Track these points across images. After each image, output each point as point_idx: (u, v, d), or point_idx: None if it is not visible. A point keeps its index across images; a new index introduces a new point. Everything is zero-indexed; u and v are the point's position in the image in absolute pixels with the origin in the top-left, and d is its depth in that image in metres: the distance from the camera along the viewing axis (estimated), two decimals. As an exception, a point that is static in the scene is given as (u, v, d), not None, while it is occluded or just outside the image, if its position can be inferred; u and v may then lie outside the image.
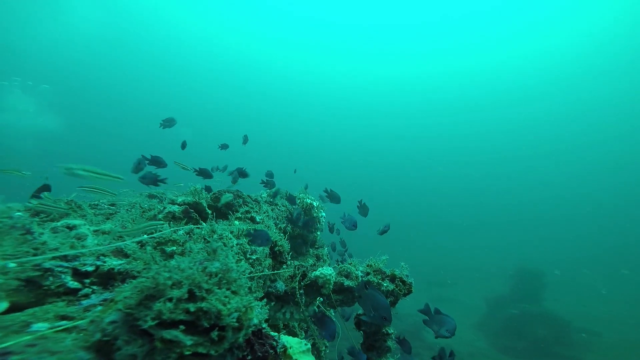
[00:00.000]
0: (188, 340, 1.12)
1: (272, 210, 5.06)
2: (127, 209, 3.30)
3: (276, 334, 1.87)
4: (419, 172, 60.19)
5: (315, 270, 3.04)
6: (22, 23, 33.06)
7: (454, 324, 2.61)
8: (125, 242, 2.00)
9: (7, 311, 1.47)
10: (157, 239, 2.16)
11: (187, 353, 1.12)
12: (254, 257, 2.64)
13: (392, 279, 3.23)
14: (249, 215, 3.34)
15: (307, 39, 46.41)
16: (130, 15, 37.95)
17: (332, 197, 5.44)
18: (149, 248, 1.95)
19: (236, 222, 3.05)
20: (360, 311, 3.33)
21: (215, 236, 2.15)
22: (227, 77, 50.29)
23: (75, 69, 39.73)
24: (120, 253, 1.95)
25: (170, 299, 1.08)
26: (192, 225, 2.49)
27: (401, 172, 60.59)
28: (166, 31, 41.48)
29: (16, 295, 1.57)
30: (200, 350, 1.17)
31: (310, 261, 5.25)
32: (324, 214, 5.60)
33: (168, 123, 6.01)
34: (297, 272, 3.03)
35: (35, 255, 1.63)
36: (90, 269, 1.79)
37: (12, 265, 1.52)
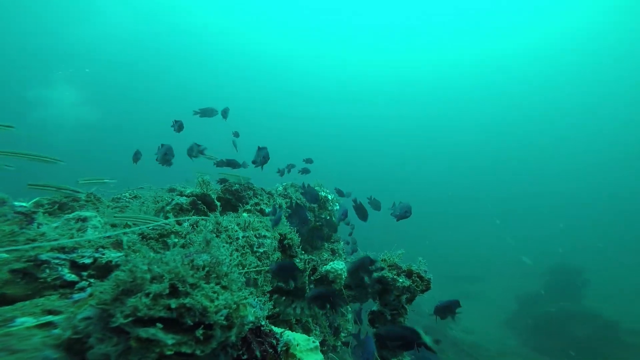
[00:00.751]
0: (169, 339, 1.03)
1: (286, 204, 4.98)
2: (142, 202, 3.29)
3: (281, 330, 1.77)
4: (442, 163, 58.46)
5: (326, 265, 2.93)
6: (63, 23, 35.03)
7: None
8: (120, 231, 1.95)
9: (1, 304, 1.44)
10: (160, 231, 2.11)
11: (169, 353, 1.03)
12: (261, 250, 2.55)
13: (409, 274, 3.06)
14: (258, 208, 3.26)
15: (319, 30, 46.30)
16: (158, 15, 39.42)
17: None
18: (139, 246, 1.89)
19: (244, 215, 2.97)
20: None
21: (209, 227, 2.07)
22: (242, 72, 50.68)
23: (109, 66, 41.41)
24: (120, 245, 1.91)
25: (147, 294, 0.99)
26: (197, 217, 2.42)
27: (423, 161, 59.07)
28: (192, 30, 42.68)
29: (11, 288, 1.54)
30: (185, 349, 1.07)
31: (325, 255, 5.15)
32: (338, 207, 5.47)
33: (207, 112, 5.45)
34: (307, 266, 2.92)
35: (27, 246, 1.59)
36: (88, 261, 1.75)
37: (4, 255, 1.49)
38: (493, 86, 50.59)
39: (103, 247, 1.85)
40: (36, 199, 3.43)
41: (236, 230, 2.44)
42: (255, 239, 2.55)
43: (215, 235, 2.02)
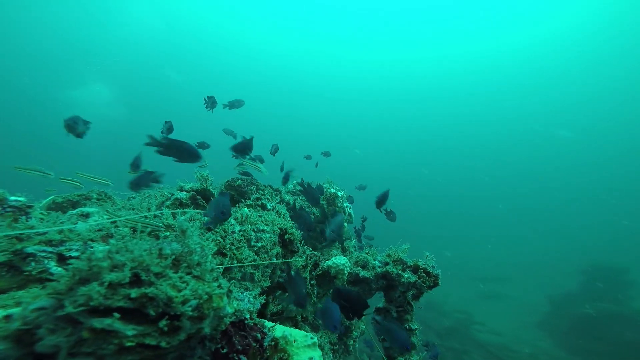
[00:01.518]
0: (129, 330, 0.97)
1: (294, 200, 4.92)
2: (143, 197, 3.31)
3: (271, 324, 1.70)
4: (466, 160, 56.93)
5: (328, 260, 2.84)
6: (93, 24, 36.82)
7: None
8: (105, 221, 1.93)
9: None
10: (152, 227, 2.08)
11: (130, 344, 0.97)
12: (258, 244, 2.49)
13: (415, 270, 2.93)
14: (259, 202, 3.21)
15: (319, 30, 46.51)
16: (182, 18, 40.82)
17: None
18: (128, 238, 1.86)
19: (245, 209, 2.92)
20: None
21: (182, 219, 2.02)
22: (246, 70, 51.21)
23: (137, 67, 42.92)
24: (110, 238, 1.88)
25: (102, 283, 0.93)
26: (192, 211, 2.39)
27: (449, 159, 57.72)
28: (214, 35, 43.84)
29: (-4, 280, 1.54)
30: (149, 341, 1.01)
31: (335, 252, 5.05)
32: (348, 204, 5.36)
33: (235, 104, 5.68)
34: (308, 261, 2.84)
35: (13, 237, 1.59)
36: (75, 254, 1.73)
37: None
38: (492, 85, 49.34)
39: (92, 240, 1.84)
40: (52, 197, 3.53)
41: (232, 224, 2.39)
42: (252, 233, 2.49)
43: (197, 227, 1.97)
